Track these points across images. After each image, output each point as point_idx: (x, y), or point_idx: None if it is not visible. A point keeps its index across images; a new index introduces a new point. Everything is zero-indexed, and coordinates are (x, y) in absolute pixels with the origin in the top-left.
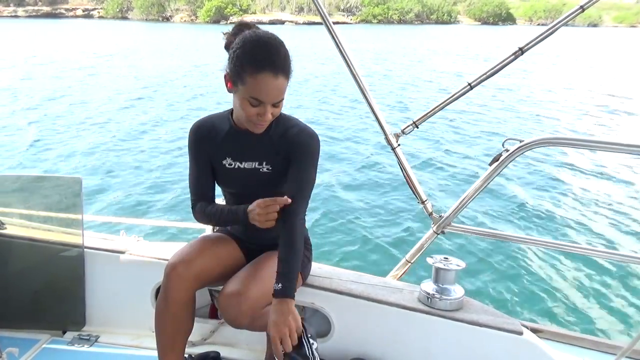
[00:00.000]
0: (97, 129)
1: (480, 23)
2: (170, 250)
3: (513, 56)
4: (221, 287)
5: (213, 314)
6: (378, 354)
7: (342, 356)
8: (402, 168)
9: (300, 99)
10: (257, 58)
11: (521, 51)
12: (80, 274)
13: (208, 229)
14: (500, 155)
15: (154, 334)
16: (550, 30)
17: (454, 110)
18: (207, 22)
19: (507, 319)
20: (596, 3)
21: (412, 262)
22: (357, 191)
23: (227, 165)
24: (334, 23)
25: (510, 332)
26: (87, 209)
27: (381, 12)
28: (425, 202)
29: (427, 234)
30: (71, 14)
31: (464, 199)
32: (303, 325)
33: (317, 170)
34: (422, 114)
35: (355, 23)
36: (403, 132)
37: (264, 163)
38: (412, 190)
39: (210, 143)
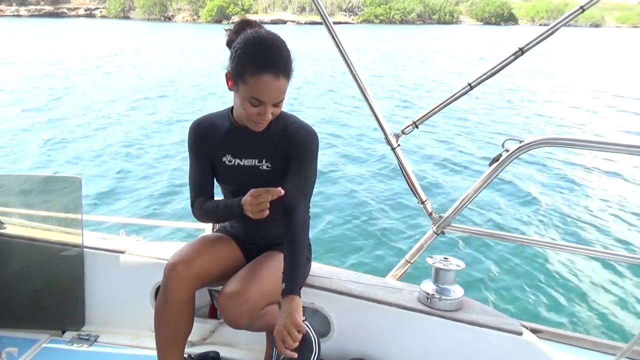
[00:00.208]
0: (97, 128)
1: (482, 23)
2: (170, 250)
3: (513, 56)
4: (221, 287)
5: (212, 313)
6: (378, 354)
7: (341, 356)
8: (402, 168)
9: (300, 99)
10: (259, 59)
11: (521, 51)
12: (79, 274)
13: (208, 229)
14: (500, 155)
15: (154, 333)
16: (551, 31)
17: (454, 111)
18: (209, 21)
19: (507, 319)
20: (598, 3)
21: (411, 262)
22: (357, 191)
23: (227, 162)
24: (336, 23)
25: (509, 332)
26: (87, 208)
27: (383, 12)
28: (425, 202)
29: (426, 234)
30: (73, 13)
31: (463, 199)
32: (305, 323)
33: (317, 168)
34: (422, 114)
35: (357, 23)
36: (403, 132)
37: (264, 160)
38: (412, 191)
39: (211, 140)
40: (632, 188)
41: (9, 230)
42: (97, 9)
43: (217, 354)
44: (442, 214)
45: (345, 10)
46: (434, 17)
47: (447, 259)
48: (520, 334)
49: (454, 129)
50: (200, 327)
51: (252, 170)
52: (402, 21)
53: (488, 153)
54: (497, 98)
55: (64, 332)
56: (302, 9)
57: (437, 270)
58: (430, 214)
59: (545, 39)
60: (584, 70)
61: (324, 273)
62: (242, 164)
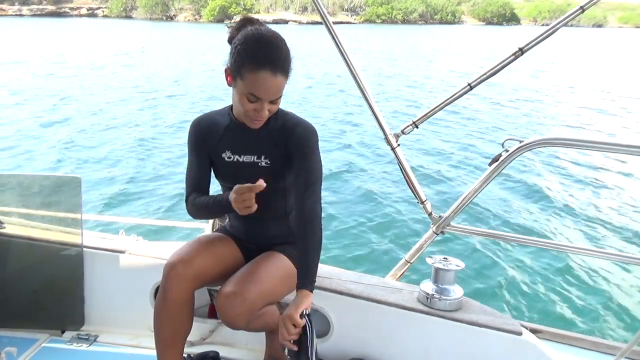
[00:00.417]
0: (97, 128)
1: (484, 23)
2: (170, 250)
3: (513, 56)
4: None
5: (212, 313)
6: (377, 354)
7: (341, 356)
8: (402, 168)
9: (300, 98)
10: (257, 55)
11: (521, 52)
12: (79, 274)
13: (208, 229)
14: (500, 155)
15: (153, 333)
16: (551, 31)
17: (454, 111)
18: (211, 21)
19: (507, 319)
20: (600, 3)
21: (411, 262)
22: (357, 191)
23: (226, 158)
24: (338, 23)
25: (509, 332)
26: (87, 208)
27: (385, 12)
28: (425, 202)
29: (426, 234)
30: (75, 12)
31: (463, 199)
32: (309, 321)
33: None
34: (422, 114)
35: (359, 23)
36: (403, 132)
37: (263, 157)
38: (412, 191)
39: (210, 137)
40: (631, 188)
41: (9, 229)
42: (99, 8)
43: (217, 353)
44: (442, 214)
45: (347, 10)
46: (436, 17)
47: (446, 259)
48: (519, 334)
49: (453, 129)
50: (199, 327)
51: (251, 166)
52: (404, 21)
53: (488, 153)
54: (497, 98)
55: (63, 332)
56: (304, 9)
57: (437, 270)
58: (429, 214)
59: (545, 39)
60: (585, 70)
61: (324, 273)
62: (241, 160)
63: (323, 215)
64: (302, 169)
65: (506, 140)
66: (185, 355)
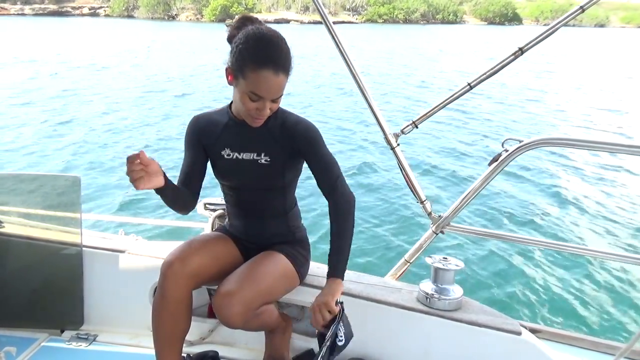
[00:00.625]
0: (97, 127)
1: (486, 23)
2: (169, 250)
3: (513, 56)
4: None
5: (211, 313)
6: (377, 354)
7: (341, 356)
8: (402, 168)
9: (300, 97)
10: (259, 55)
11: (521, 51)
12: (78, 273)
13: (207, 228)
14: (500, 155)
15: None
16: (550, 31)
17: (453, 110)
18: (213, 20)
19: (506, 319)
20: (602, 3)
21: (411, 262)
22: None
23: (225, 155)
24: (340, 22)
25: (508, 332)
26: (86, 207)
27: (387, 11)
28: (425, 202)
29: (426, 234)
30: (77, 12)
31: (463, 199)
32: (342, 308)
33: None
34: (422, 114)
35: (361, 22)
36: (402, 132)
37: (263, 154)
38: (412, 190)
39: (209, 134)
40: (631, 188)
41: (8, 229)
42: (101, 7)
43: (216, 353)
44: (442, 214)
45: (349, 10)
46: (437, 16)
47: (446, 258)
48: (519, 333)
49: (453, 128)
50: (199, 327)
51: (251, 163)
52: (406, 21)
53: (487, 153)
54: (497, 98)
55: (62, 331)
56: (306, 9)
57: (436, 270)
58: (429, 214)
59: (545, 39)
60: (587, 70)
61: (323, 272)
62: (240, 157)
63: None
64: (322, 166)
65: (506, 140)
66: (184, 354)
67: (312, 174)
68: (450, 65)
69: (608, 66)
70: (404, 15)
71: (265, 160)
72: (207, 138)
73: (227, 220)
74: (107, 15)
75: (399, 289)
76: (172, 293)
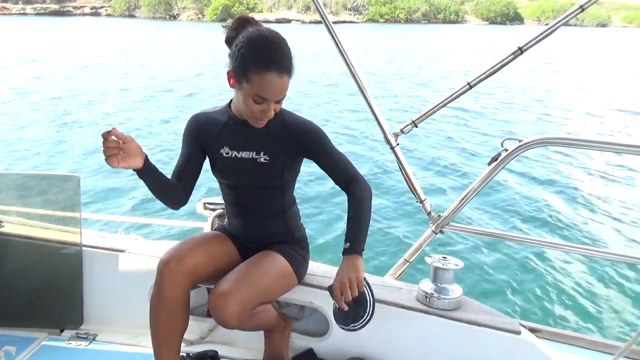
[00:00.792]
0: (98, 127)
1: (487, 23)
2: (168, 249)
3: (512, 56)
4: None
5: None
6: (376, 353)
7: (340, 355)
8: (401, 167)
9: (302, 97)
10: (263, 58)
11: (520, 51)
12: (78, 273)
13: (207, 228)
14: (499, 154)
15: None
16: (550, 30)
17: (453, 110)
18: (214, 20)
19: (505, 318)
20: (604, 3)
21: (410, 261)
22: None
23: (224, 154)
24: (341, 22)
25: (508, 331)
26: (86, 206)
27: (388, 11)
28: (424, 202)
29: (425, 234)
30: (79, 11)
31: (462, 199)
32: (365, 282)
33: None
34: (421, 113)
35: (362, 22)
36: (402, 131)
37: (262, 153)
38: (411, 190)
39: (207, 133)
40: (631, 187)
41: (7, 228)
42: (102, 7)
43: (216, 352)
44: (441, 213)
45: (350, 9)
46: (439, 16)
47: (445, 258)
48: (518, 333)
49: (453, 128)
50: (198, 326)
51: (250, 162)
52: (407, 20)
53: (487, 152)
54: (497, 97)
55: (62, 331)
56: (307, 8)
57: (436, 269)
58: (429, 213)
59: (545, 38)
60: (587, 70)
61: (322, 272)
62: (239, 156)
63: (322, 214)
64: (335, 162)
65: (505, 139)
66: (184, 354)
67: (326, 171)
68: (452, 64)
69: (610, 66)
70: (405, 15)
71: (264, 159)
72: (205, 136)
73: (226, 219)
74: (108, 15)
75: (398, 288)
76: (169, 291)
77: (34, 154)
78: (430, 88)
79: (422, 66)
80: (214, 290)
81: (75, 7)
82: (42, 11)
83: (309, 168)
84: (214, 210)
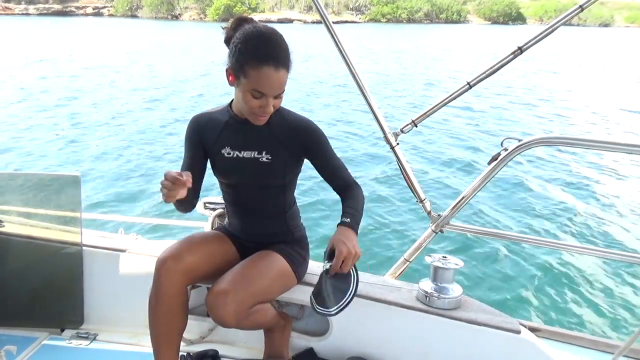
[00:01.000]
0: (99, 127)
1: (490, 22)
2: None
3: (512, 55)
4: None
5: None
6: (376, 353)
7: (340, 355)
8: (401, 167)
9: (303, 96)
10: (259, 52)
11: (520, 50)
12: (78, 272)
13: (207, 227)
14: (499, 154)
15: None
16: (550, 30)
17: (453, 109)
18: (216, 20)
19: (505, 317)
20: (606, 3)
21: (410, 260)
22: None
23: (225, 154)
24: (343, 22)
25: (508, 330)
26: (86, 206)
27: (390, 11)
28: (424, 201)
29: (425, 233)
30: (81, 12)
31: (462, 198)
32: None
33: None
34: (421, 113)
35: (365, 22)
36: (402, 131)
37: (264, 153)
38: (411, 189)
39: (209, 133)
40: (631, 187)
41: (8, 228)
42: (104, 7)
43: (216, 352)
44: (441, 213)
45: (352, 9)
46: (441, 16)
47: (445, 257)
48: (518, 332)
49: (453, 127)
50: (198, 326)
51: (252, 162)
52: (409, 20)
53: (487, 151)
54: (497, 97)
55: (62, 330)
56: (309, 8)
57: (436, 268)
58: (429, 213)
59: (544, 38)
60: (588, 70)
61: None
62: (241, 156)
63: (322, 214)
64: (334, 167)
65: (505, 139)
66: (184, 353)
67: (323, 175)
68: (457, 64)
69: (613, 66)
70: (407, 15)
71: (266, 159)
72: (207, 137)
73: (226, 219)
74: (110, 15)
75: (398, 287)
76: (166, 290)
77: (39, 155)
78: (437, 87)
79: (428, 66)
80: (212, 289)
81: (77, 7)
82: (45, 11)
83: (308, 169)
84: (214, 210)
